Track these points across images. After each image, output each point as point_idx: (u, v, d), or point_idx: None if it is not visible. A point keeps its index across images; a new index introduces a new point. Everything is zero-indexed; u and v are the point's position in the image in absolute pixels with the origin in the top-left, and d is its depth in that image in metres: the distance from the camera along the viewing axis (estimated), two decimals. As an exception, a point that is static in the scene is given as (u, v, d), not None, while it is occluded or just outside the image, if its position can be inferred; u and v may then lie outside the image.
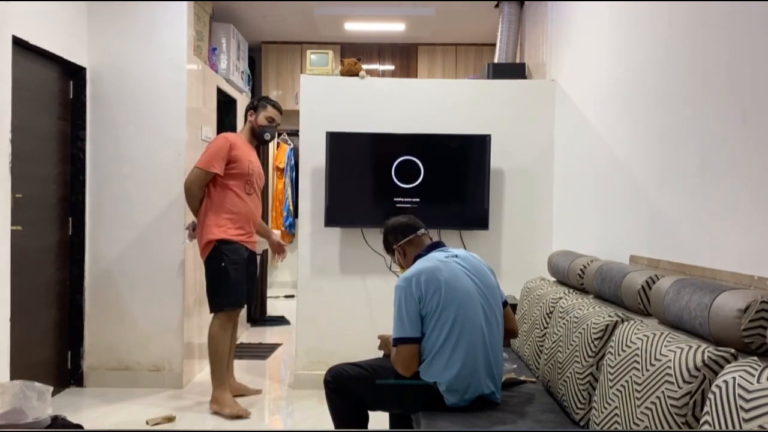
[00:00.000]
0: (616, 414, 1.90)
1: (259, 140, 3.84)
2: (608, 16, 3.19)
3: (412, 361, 2.41)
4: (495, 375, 2.44)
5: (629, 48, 2.91)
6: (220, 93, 4.93)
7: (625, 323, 2.07)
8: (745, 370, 1.43)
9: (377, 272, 4.06)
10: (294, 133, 7.45)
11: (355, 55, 4.48)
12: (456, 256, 2.52)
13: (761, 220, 1.89)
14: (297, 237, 4.41)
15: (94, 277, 4.10)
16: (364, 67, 4.26)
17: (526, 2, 4.66)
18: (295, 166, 7.92)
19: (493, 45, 4.97)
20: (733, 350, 1.61)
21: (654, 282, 2.23)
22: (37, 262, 3.71)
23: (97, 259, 4.10)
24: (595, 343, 2.19)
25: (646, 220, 2.70)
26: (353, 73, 4.16)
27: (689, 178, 2.33)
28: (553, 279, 3.41)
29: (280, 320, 6.29)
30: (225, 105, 5.18)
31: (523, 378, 2.76)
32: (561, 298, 2.80)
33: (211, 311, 3.68)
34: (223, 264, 3.59)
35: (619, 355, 1.97)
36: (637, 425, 1.76)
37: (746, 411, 1.36)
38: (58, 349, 3.97)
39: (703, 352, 1.62)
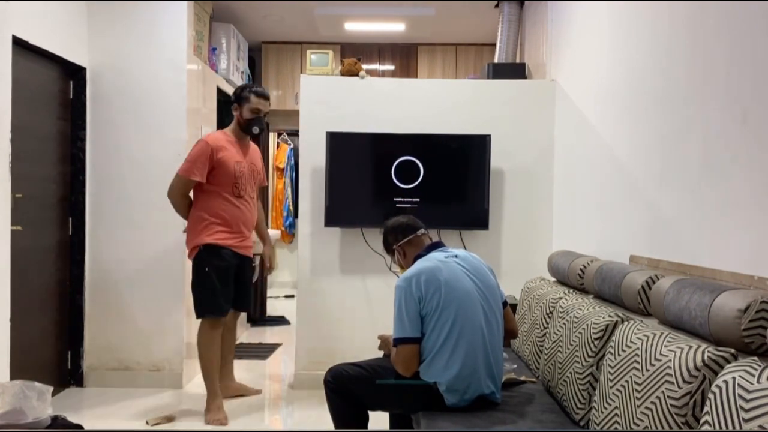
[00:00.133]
0: (616, 414, 1.90)
1: (248, 134, 3.61)
2: (608, 16, 3.19)
3: (412, 361, 2.41)
4: (495, 375, 2.44)
5: (629, 48, 2.91)
6: (220, 93, 4.93)
7: (625, 323, 2.07)
8: (745, 370, 1.43)
9: (377, 272, 4.06)
10: (294, 133, 7.45)
11: (355, 55, 4.48)
12: (456, 256, 2.52)
13: (761, 220, 1.89)
14: (297, 237, 4.40)
15: (94, 277, 4.10)
16: (364, 67, 4.26)
17: (526, 2, 4.66)
18: (295, 166, 7.93)
19: (493, 45, 4.97)
20: (733, 350, 1.61)
21: (654, 282, 2.23)
22: (37, 262, 3.71)
23: (97, 259, 4.10)
24: (595, 343, 2.19)
25: (646, 220, 2.70)
26: (353, 73, 4.16)
27: (689, 178, 2.32)
28: (553, 279, 3.41)
29: (280, 320, 6.29)
30: (225, 105, 5.17)
31: (523, 378, 2.76)
32: (561, 298, 2.80)
33: (197, 317, 3.58)
34: (206, 269, 3.46)
35: (619, 355, 1.97)
36: (637, 425, 1.76)
37: (746, 411, 1.36)
38: (58, 349, 3.97)
39: (703, 352, 1.62)
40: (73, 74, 4.04)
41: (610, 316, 2.21)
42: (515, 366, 2.84)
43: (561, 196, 3.99)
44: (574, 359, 2.29)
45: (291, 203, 8.15)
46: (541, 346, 2.78)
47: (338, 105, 4.11)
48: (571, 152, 3.80)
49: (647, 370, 1.78)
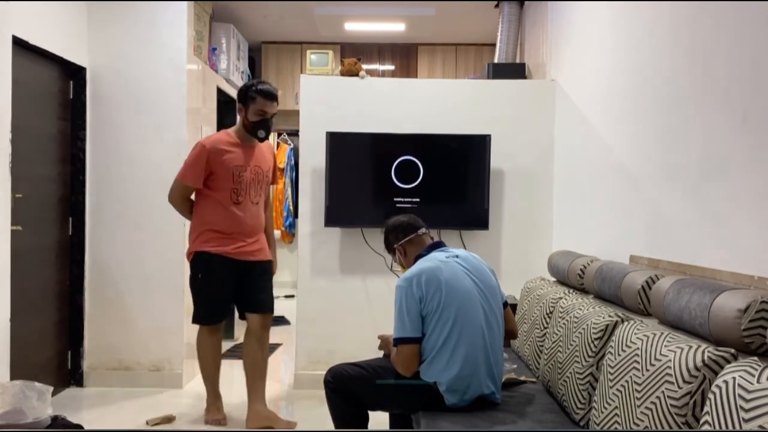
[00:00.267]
0: (616, 414, 1.90)
1: (253, 137, 3.39)
2: (608, 16, 3.19)
3: (412, 361, 2.41)
4: (495, 375, 2.44)
5: (629, 48, 2.91)
6: (220, 93, 4.93)
7: (625, 323, 2.07)
8: (745, 370, 1.43)
9: (377, 272, 4.06)
10: (294, 133, 7.45)
11: (355, 55, 4.48)
12: (457, 256, 2.52)
13: (761, 220, 1.89)
14: (297, 237, 4.40)
15: (94, 277, 4.10)
16: (364, 67, 4.26)
17: (526, 2, 4.66)
18: (295, 166, 7.92)
19: (493, 45, 4.97)
20: (733, 350, 1.61)
21: (654, 282, 2.23)
22: (37, 262, 3.71)
23: (97, 259, 4.10)
24: (595, 343, 2.19)
25: (646, 220, 2.70)
26: (353, 73, 4.16)
27: (689, 178, 2.32)
28: (553, 279, 3.41)
29: (280, 320, 6.29)
30: (225, 105, 5.18)
31: (523, 378, 2.76)
32: (561, 298, 2.80)
33: (192, 322, 3.53)
34: (199, 276, 3.35)
35: (619, 355, 1.97)
36: (637, 425, 1.76)
37: (746, 411, 1.36)
38: (58, 349, 3.97)
39: (703, 352, 1.62)
40: (73, 74, 4.04)
41: (610, 316, 2.21)
42: (515, 366, 2.84)
43: (561, 196, 3.99)
44: (574, 359, 2.29)
45: (291, 203, 8.15)
46: (541, 346, 2.78)
47: (338, 105, 4.11)
48: (571, 152, 3.80)
49: (647, 370, 1.78)
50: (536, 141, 4.12)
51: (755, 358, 1.51)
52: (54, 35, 3.72)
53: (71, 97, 4.05)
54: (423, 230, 2.69)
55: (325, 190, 3.99)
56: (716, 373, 1.57)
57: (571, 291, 2.95)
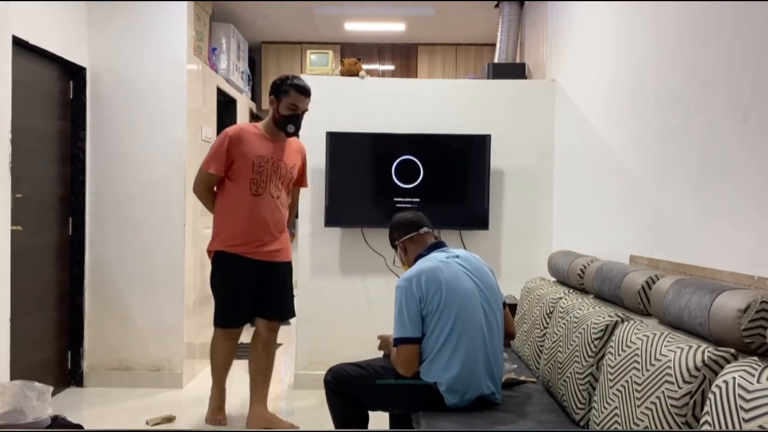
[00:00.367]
0: (616, 414, 1.90)
1: (282, 131, 3.31)
2: (608, 16, 3.19)
3: (412, 361, 2.41)
4: (495, 375, 2.44)
5: (629, 48, 2.91)
6: (220, 93, 4.93)
7: (625, 323, 2.07)
8: (745, 370, 1.43)
9: (377, 272, 4.06)
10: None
11: (355, 55, 4.48)
12: (457, 256, 2.52)
13: (761, 220, 1.89)
14: (297, 237, 4.40)
15: (94, 277, 4.10)
16: (364, 67, 4.26)
17: (526, 2, 4.66)
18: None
19: (493, 45, 4.97)
20: (733, 350, 1.61)
21: (654, 282, 2.23)
22: (37, 262, 3.71)
23: (97, 259, 4.10)
24: (595, 343, 2.19)
25: (646, 220, 2.70)
26: (353, 73, 4.16)
27: (689, 178, 2.33)
28: (553, 279, 3.41)
29: (280, 320, 6.28)
30: (225, 105, 5.18)
31: (523, 378, 2.76)
32: (561, 298, 2.80)
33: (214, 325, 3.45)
34: (219, 277, 3.30)
35: (619, 355, 1.97)
36: (637, 425, 1.76)
37: (746, 411, 1.36)
38: (58, 349, 3.97)
39: (703, 352, 1.62)
40: (73, 74, 4.04)
41: (610, 316, 2.21)
42: (515, 366, 2.84)
43: (561, 196, 3.99)
44: (574, 359, 2.29)
45: (291, 203, 8.14)
46: (541, 346, 2.78)
47: (338, 105, 4.11)
48: (571, 152, 3.80)
49: (647, 370, 1.78)
50: (536, 141, 4.12)
51: (755, 358, 1.51)
52: (54, 35, 3.72)
53: (71, 97, 4.04)
54: (425, 229, 2.68)
55: (325, 190, 3.99)
56: (716, 373, 1.57)
57: (571, 291, 2.95)
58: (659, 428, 1.67)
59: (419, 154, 3.99)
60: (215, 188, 3.35)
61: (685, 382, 1.62)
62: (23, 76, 3.41)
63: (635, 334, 1.94)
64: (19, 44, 3.34)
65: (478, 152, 3.98)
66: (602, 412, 1.98)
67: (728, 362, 1.58)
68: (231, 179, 3.25)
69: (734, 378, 1.43)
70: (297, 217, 4.03)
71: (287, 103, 3.24)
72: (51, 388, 2.58)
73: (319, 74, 4.24)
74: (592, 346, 2.20)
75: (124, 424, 3.47)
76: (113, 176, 4.10)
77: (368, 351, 2.91)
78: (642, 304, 2.28)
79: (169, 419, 3.50)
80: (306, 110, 3.33)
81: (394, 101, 4.13)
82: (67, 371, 4.06)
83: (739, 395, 1.39)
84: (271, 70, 6.30)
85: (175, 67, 4.09)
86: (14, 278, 3.25)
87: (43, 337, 3.81)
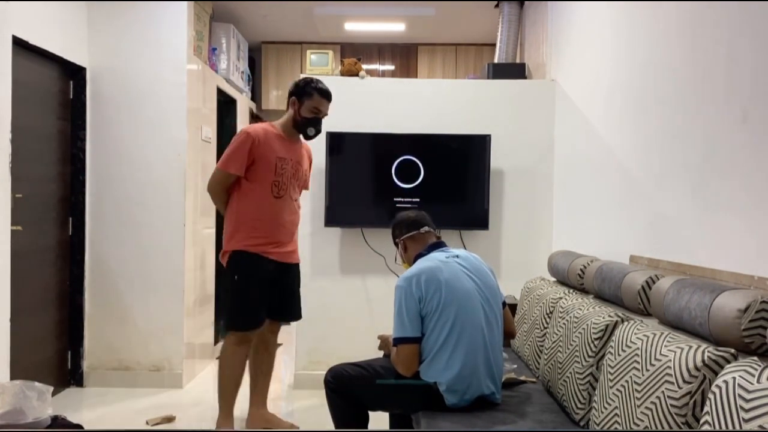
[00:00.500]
0: (616, 414, 1.90)
1: (302, 134, 3.27)
2: (608, 16, 3.19)
3: (412, 361, 2.41)
4: (495, 375, 2.44)
5: (629, 48, 2.91)
6: (220, 93, 4.93)
7: (625, 323, 2.07)
8: (745, 370, 1.43)
9: (377, 272, 4.06)
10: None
11: (355, 55, 4.48)
12: (457, 256, 2.52)
13: (761, 220, 1.89)
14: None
15: (94, 277, 4.10)
16: (364, 67, 4.26)
17: (526, 2, 4.66)
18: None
19: (493, 45, 4.97)
20: (733, 350, 1.61)
21: (654, 282, 2.23)
22: (37, 262, 3.71)
23: (97, 259, 4.10)
24: (595, 343, 2.19)
25: (646, 220, 2.70)
26: (353, 73, 4.16)
27: (689, 178, 2.33)
28: (553, 279, 3.41)
29: (280, 320, 6.28)
30: (225, 105, 5.18)
31: (523, 378, 2.76)
32: (561, 298, 2.80)
33: (225, 329, 3.32)
34: (236, 277, 3.14)
35: (619, 355, 1.97)
36: (637, 425, 1.76)
37: (746, 411, 1.36)
38: (58, 349, 3.97)
39: (703, 352, 1.62)
40: (73, 74, 4.04)
41: (610, 316, 2.21)
42: (515, 366, 2.84)
43: (561, 196, 3.99)
44: (574, 359, 2.29)
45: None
46: (541, 346, 2.78)
47: (338, 105, 4.08)
48: (571, 152, 3.80)
49: (647, 370, 1.78)
50: (536, 141, 4.12)
51: (755, 358, 1.51)
52: (54, 35, 3.72)
53: (71, 97, 4.05)
54: (426, 229, 2.68)
55: (325, 190, 3.99)
56: (716, 373, 1.57)
57: (571, 291, 2.95)
58: (659, 428, 1.67)
59: (419, 154, 3.99)
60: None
61: (685, 382, 1.62)
62: (23, 76, 3.41)
63: (635, 334, 1.94)
64: (19, 44, 3.34)
65: (478, 152, 3.98)
66: (602, 412, 1.98)
67: (728, 362, 1.58)
68: (250, 180, 3.14)
69: (734, 378, 1.43)
70: None
71: (310, 106, 3.19)
72: (51, 388, 2.58)
73: (319, 74, 4.22)
74: (592, 346, 2.20)
75: (124, 424, 3.46)
76: (113, 176, 4.10)
77: (368, 351, 2.91)
78: (642, 304, 2.28)
79: (169, 419, 3.50)
80: (326, 115, 3.29)
81: (394, 101, 4.13)
82: (67, 371, 4.06)
83: (739, 395, 1.39)
84: (271, 70, 6.31)
85: (175, 67, 4.09)
86: (14, 278, 3.25)
87: (43, 337, 3.81)
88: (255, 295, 3.16)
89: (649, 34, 2.70)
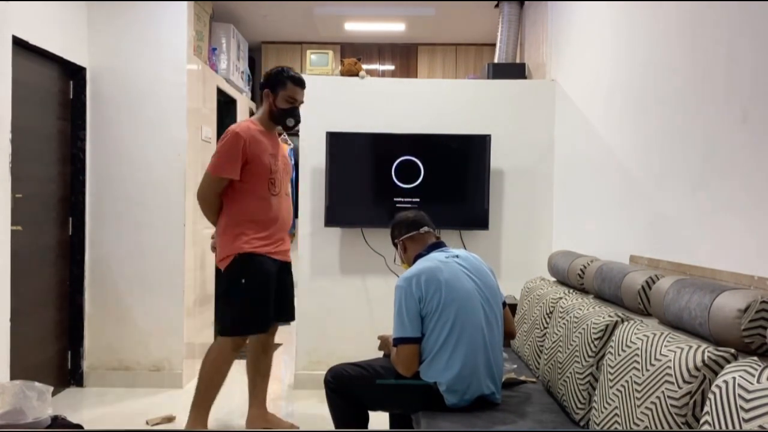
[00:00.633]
0: (616, 414, 1.90)
1: (280, 126, 3.20)
2: (608, 16, 3.19)
3: (412, 361, 2.41)
4: (495, 375, 2.44)
5: (629, 48, 2.91)
6: (220, 93, 4.94)
7: (625, 323, 2.07)
8: (745, 370, 1.43)
9: (377, 272, 4.06)
10: (294, 133, 7.45)
11: (355, 55, 4.48)
12: (456, 256, 2.52)
13: (761, 220, 1.89)
14: (297, 237, 4.40)
15: (94, 277, 4.10)
16: (364, 67, 4.26)
17: (526, 2, 4.66)
18: (295, 166, 7.92)
19: (493, 45, 4.97)
20: (733, 350, 1.61)
21: (654, 282, 2.23)
22: (37, 262, 3.71)
23: (97, 259, 4.10)
24: (595, 343, 2.19)
25: (646, 220, 2.70)
26: (353, 73, 4.16)
27: (689, 178, 2.32)
28: (553, 279, 3.41)
29: (280, 320, 6.28)
30: (225, 105, 5.18)
31: (523, 378, 2.76)
32: (561, 298, 2.80)
33: (220, 334, 3.14)
34: (243, 281, 3.02)
35: (619, 355, 1.96)
36: (637, 425, 1.76)
37: (746, 411, 1.36)
38: (58, 349, 3.97)
39: (703, 352, 1.62)
40: (73, 74, 4.04)
41: (610, 316, 2.21)
42: (515, 366, 2.84)
43: (561, 196, 3.99)
44: (574, 359, 2.29)
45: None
46: (541, 346, 2.78)
47: (338, 105, 4.11)
48: (571, 152, 3.80)
49: (647, 370, 1.78)
50: (536, 141, 4.12)
51: (755, 358, 1.51)
52: (54, 35, 3.72)
53: (71, 97, 4.05)
54: (426, 229, 2.68)
55: (325, 190, 3.99)
56: (716, 373, 1.57)
57: (571, 291, 2.95)
58: (659, 428, 1.67)
59: (419, 154, 3.99)
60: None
61: (685, 382, 1.62)
62: (23, 76, 3.41)
63: (635, 334, 1.94)
64: (19, 44, 3.34)
65: (478, 152, 3.98)
66: (602, 412, 1.98)
67: (728, 362, 1.58)
68: (245, 181, 3.03)
69: (734, 378, 1.43)
70: None
71: (285, 97, 3.12)
72: (51, 388, 2.58)
73: (319, 74, 4.24)
74: (592, 346, 2.20)
75: (124, 424, 3.47)
76: (113, 176, 4.10)
77: (368, 351, 2.91)
78: (642, 304, 2.28)
79: (169, 419, 3.50)
80: (302, 102, 3.22)
81: (394, 101, 4.13)
82: (67, 371, 4.06)
83: (739, 395, 1.39)
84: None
85: (175, 67, 4.09)
86: (14, 278, 3.25)
87: (43, 337, 3.81)
88: (266, 298, 3.08)
89: (649, 34, 2.70)
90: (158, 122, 4.10)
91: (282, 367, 4.74)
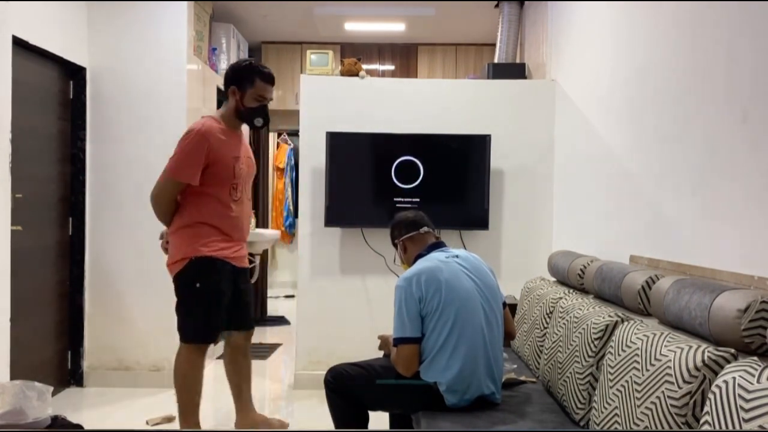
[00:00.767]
0: (616, 414, 1.90)
1: (248, 125, 3.02)
2: (608, 16, 3.19)
3: (412, 361, 2.41)
4: (495, 375, 2.44)
5: (629, 48, 2.91)
6: (220, 93, 4.93)
7: (625, 323, 2.07)
8: (745, 370, 1.43)
9: (377, 272, 4.06)
10: (294, 133, 7.45)
11: (355, 55, 4.48)
12: (456, 256, 2.52)
13: (761, 220, 1.89)
14: (297, 237, 4.40)
15: (94, 277, 4.10)
16: (364, 67, 4.26)
17: (526, 2, 4.66)
18: (295, 166, 7.93)
19: (493, 45, 4.96)
20: (733, 350, 1.61)
21: (654, 282, 2.23)
22: (37, 262, 3.71)
23: (97, 259, 4.10)
24: (595, 343, 2.19)
25: (646, 220, 2.70)
26: (353, 73, 4.16)
27: (689, 178, 2.33)
28: (553, 279, 3.41)
29: (280, 320, 6.29)
30: (225, 105, 5.18)
31: (523, 378, 2.76)
32: (561, 298, 2.80)
33: (181, 340, 2.99)
34: (197, 285, 2.86)
35: (619, 355, 1.97)
36: (637, 425, 1.76)
37: (746, 411, 1.36)
38: (58, 349, 3.97)
39: (703, 352, 1.62)
40: (73, 74, 4.04)
41: (610, 316, 2.21)
42: (515, 366, 2.84)
43: (561, 196, 3.99)
44: (574, 359, 2.29)
45: (291, 203, 8.15)
46: (541, 346, 2.78)
47: (338, 105, 4.11)
48: (571, 152, 3.80)
49: (647, 370, 1.78)
50: (536, 141, 4.12)
51: (755, 358, 1.51)
52: (54, 35, 3.72)
53: (71, 97, 4.05)
54: (425, 229, 2.68)
55: (325, 190, 3.99)
56: (716, 373, 1.57)
57: (571, 291, 2.95)
58: (659, 428, 1.67)
59: (419, 154, 3.99)
60: None
61: (685, 382, 1.62)
62: (23, 76, 3.41)
63: (635, 334, 1.94)
64: (19, 44, 3.34)
65: (478, 152, 3.98)
66: (602, 412, 1.98)
67: (728, 362, 1.58)
68: (205, 184, 2.84)
69: (734, 378, 1.43)
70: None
71: (254, 95, 2.92)
72: (51, 388, 2.58)
73: (319, 74, 4.24)
74: (592, 346, 2.20)
75: (124, 424, 3.47)
76: (113, 176, 4.10)
77: (368, 351, 2.91)
78: (642, 304, 2.28)
79: (169, 419, 3.50)
80: (272, 99, 3.04)
81: (394, 101, 4.13)
82: (67, 371, 4.06)
83: (739, 395, 1.39)
84: (271, 70, 6.30)
85: (175, 67, 4.09)
86: (14, 278, 3.25)
87: (43, 337, 3.81)
88: (218, 302, 2.92)
89: (649, 34, 2.70)
90: (158, 122, 4.10)
91: (282, 367, 4.74)
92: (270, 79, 2.99)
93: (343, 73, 4.18)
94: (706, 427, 1.48)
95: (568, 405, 2.29)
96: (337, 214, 4.01)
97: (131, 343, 4.11)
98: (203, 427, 3.15)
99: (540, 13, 4.41)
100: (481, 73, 4.75)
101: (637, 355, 1.86)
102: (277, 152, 8.22)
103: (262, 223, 6.28)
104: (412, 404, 2.47)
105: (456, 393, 2.37)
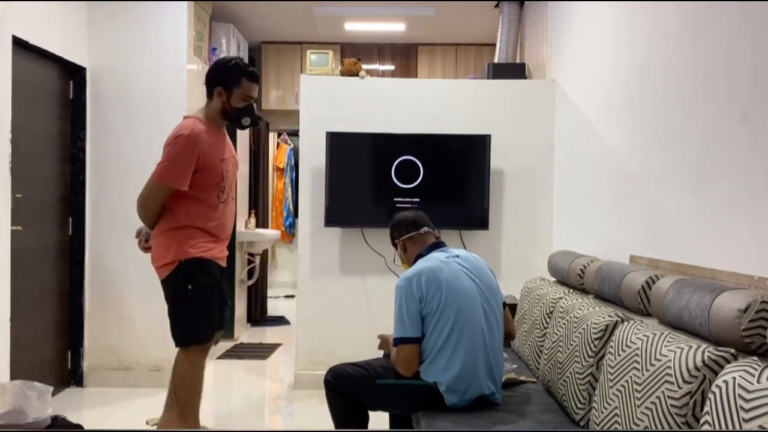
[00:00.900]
0: (616, 414, 1.90)
1: (235, 125, 2.98)
2: (608, 16, 3.19)
3: (412, 361, 2.41)
4: (495, 375, 2.44)
5: (629, 48, 2.91)
6: (220, 93, 4.93)
7: (625, 323, 2.07)
8: (745, 370, 1.43)
9: (377, 272, 4.06)
10: (294, 133, 7.45)
11: (355, 55, 4.48)
12: (457, 256, 2.52)
13: (761, 220, 1.89)
14: (297, 237, 4.40)
15: (94, 277, 4.10)
16: (364, 67, 4.26)
17: (526, 2, 4.66)
18: (295, 166, 7.93)
19: (493, 45, 4.96)
20: (733, 350, 1.61)
21: (654, 282, 2.23)
22: (37, 262, 3.71)
23: (97, 259, 4.10)
24: (595, 343, 2.19)
25: (646, 220, 2.70)
26: (353, 73, 4.16)
27: (689, 178, 2.33)
28: (553, 279, 3.41)
29: (280, 320, 6.29)
30: (225, 105, 5.17)
31: (523, 378, 2.76)
32: (561, 298, 2.80)
33: (176, 345, 2.95)
34: (189, 287, 2.82)
35: (619, 355, 1.97)
36: (637, 425, 1.76)
37: (746, 411, 1.36)
38: (58, 349, 3.97)
39: (703, 352, 1.62)
40: (73, 74, 4.04)
41: (610, 316, 2.21)
42: (515, 366, 2.84)
43: (561, 196, 3.99)
44: (574, 359, 2.29)
45: (291, 203, 8.15)
46: (541, 346, 2.78)
47: (338, 105, 4.11)
48: (571, 152, 3.80)
49: (647, 370, 1.78)
50: (536, 141, 4.12)
51: (755, 358, 1.51)
52: (54, 35, 3.72)
53: (71, 97, 4.05)
54: (425, 229, 2.68)
55: (325, 190, 3.99)
56: (716, 373, 1.57)
57: (571, 291, 2.95)
58: (659, 428, 1.67)
59: (419, 154, 3.99)
60: None
61: (685, 382, 1.62)
62: (23, 76, 3.41)
63: (635, 334, 1.94)
64: (19, 44, 3.34)
65: (478, 152, 3.98)
66: (602, 412, 1.99)
67: (728, 362, 1.58)
68: (194, 188, 2.79)
69: (734, 378, 1.43)
70: None
71: (241, 95, 2.86)
72: (51, 388, 2.58)
73: (319, 74, 4.24)
74: (592, 346, 2.20)
75: (124, 424, 3.47)
76: (113, 176, 4.10)
77: (368, 351, 2.91)
78: (642, 304, 2.28)
79: (169, 419, 3.49)
80: (256, 97, 2.99)
81: (394, 101, 4.13)
82: (67, 371, 4.06)
83: (739, 395, 1.39)
84: (271, 70, 6.30)
85: (175, 67, 4.09)
86: (14, 278, 3.25)
87: (43, 337, 3.81)
88: (211, 303, 2.90)
89: (649, 34, 2.70)
90: (158, 122, 4.09)
91: (282, 367, 4.74)
92: (256, 78, 2.94)
93: (343, 73, 4.18)
94: (706, 427, 1.48)
95: (568, 405, 2.29)
96: (337, 214, 4.01)
97: (131, 343, 4.11)
98: (212, 416, 3.11)
99: (540, 13, 4.41)
100: (481, 73, 4.75)
101: (637, 355, 1.86)
102: (277, 152, 8.22)
103: (262, 223, 6.27)
104: (412, 404, 2.47)
105: (456, 393, 2.37)
